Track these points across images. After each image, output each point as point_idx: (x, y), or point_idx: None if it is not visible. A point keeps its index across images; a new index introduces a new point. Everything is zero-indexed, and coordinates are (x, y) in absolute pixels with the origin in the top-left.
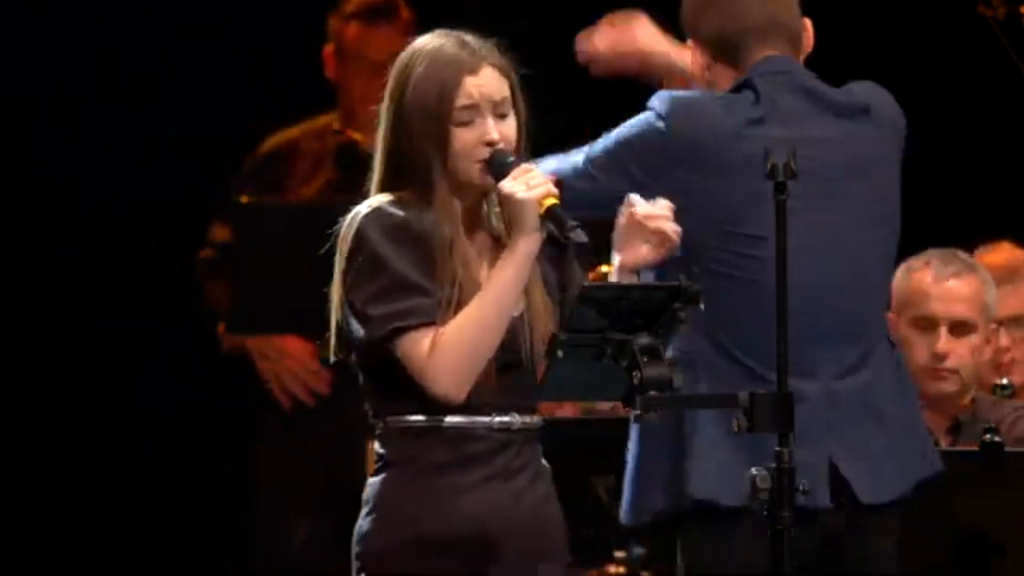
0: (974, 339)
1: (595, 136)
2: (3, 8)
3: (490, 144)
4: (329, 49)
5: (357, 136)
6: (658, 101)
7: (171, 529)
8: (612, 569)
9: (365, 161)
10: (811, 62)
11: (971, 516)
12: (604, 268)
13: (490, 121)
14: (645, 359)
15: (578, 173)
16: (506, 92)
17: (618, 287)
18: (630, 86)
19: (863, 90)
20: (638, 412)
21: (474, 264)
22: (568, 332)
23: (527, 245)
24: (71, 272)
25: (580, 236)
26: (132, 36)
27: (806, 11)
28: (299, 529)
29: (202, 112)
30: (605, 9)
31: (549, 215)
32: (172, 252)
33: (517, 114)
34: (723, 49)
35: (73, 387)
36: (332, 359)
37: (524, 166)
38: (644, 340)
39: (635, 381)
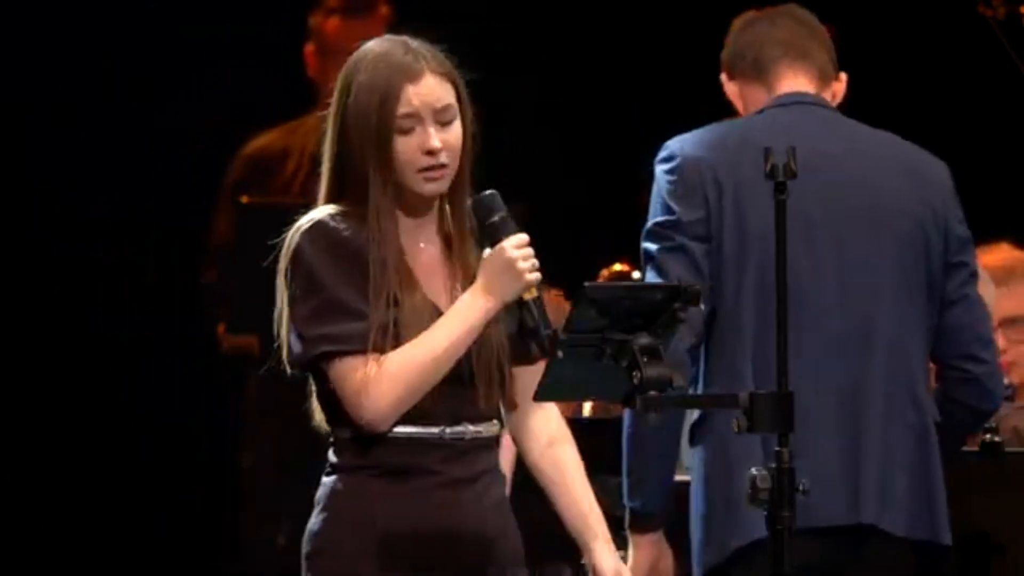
0: None
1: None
2: (3, 8)
3: (430, 152)
4: (310, 48)
5: None
6: (660, 155)
7: (169, 529)
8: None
9: None
10: None
11: (971, 516)
12: (618, 267)
13: (431, 129)
14: (645, 359)
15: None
16: (450, 99)
17: (618, 287)
18: (607, 91)
19: (906, 146)
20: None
21: (415, 281)
22: (568, 332)
23: (495, 308)
24: (71, 272)
25: (544, 343)
26: (132, 36)
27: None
28: (280, 532)
29: (202, 112)
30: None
31: (532, 305)
32: (172, 252)
33: (464, 121)
34: (753, 68)
35: (73, 387)
36: (289, 370)
37: (525, 237)
38: (644, 340)
39: (635, 381)
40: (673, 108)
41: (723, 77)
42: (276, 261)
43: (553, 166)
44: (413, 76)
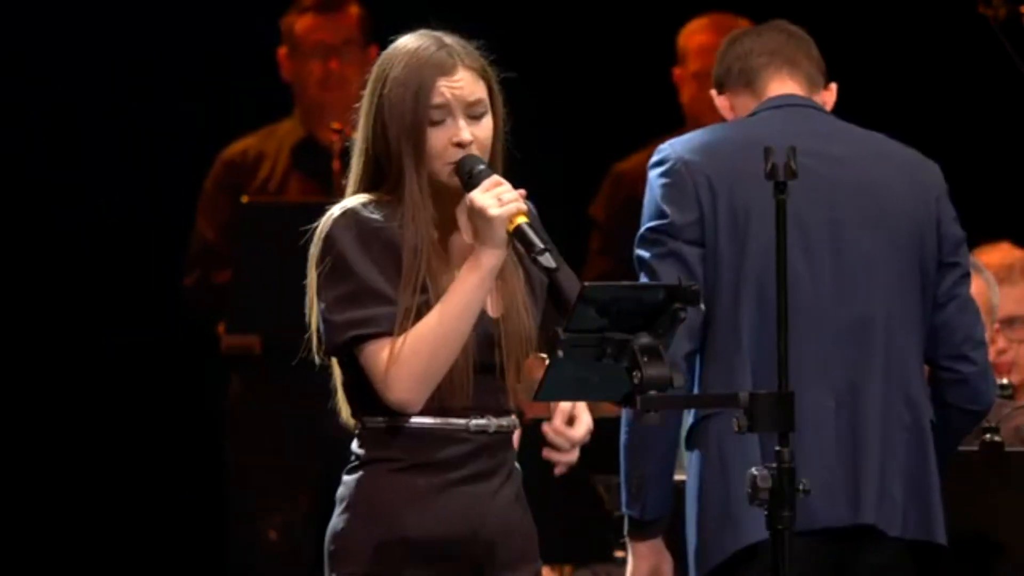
0: None
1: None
2: (3, 8)
3: (460, 145)
4: (283, 51)
5: (318, 130)
6: (653, 159)
7: (170, 528)
8: None
9: (324, 153)
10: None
11: (971, 516)
12: None
13: (461, 122)
14: (645, 359)
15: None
16: (481, 94)
17: (618, 287)
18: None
19: (899, 146)
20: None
21: (446, 269)
22: (568, 332)
23: (491, 260)
24: (71, 272)
25: (548, 261)
26: (133, 35)
27: (807, 10)
28: (270, 526)
29: (204, 112)
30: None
31: (516, 234)
32: (171, 251)
33: (495, 117)
34: (741, 78)
35: (69, 385)
36: (317, 360)
37: (495, 178)
38: (644, 340)
39: (635, 381)
40: (674, 107)
41: (712, 93)
42: (277, 259)
43: (552, 166)
44: (446, 69)
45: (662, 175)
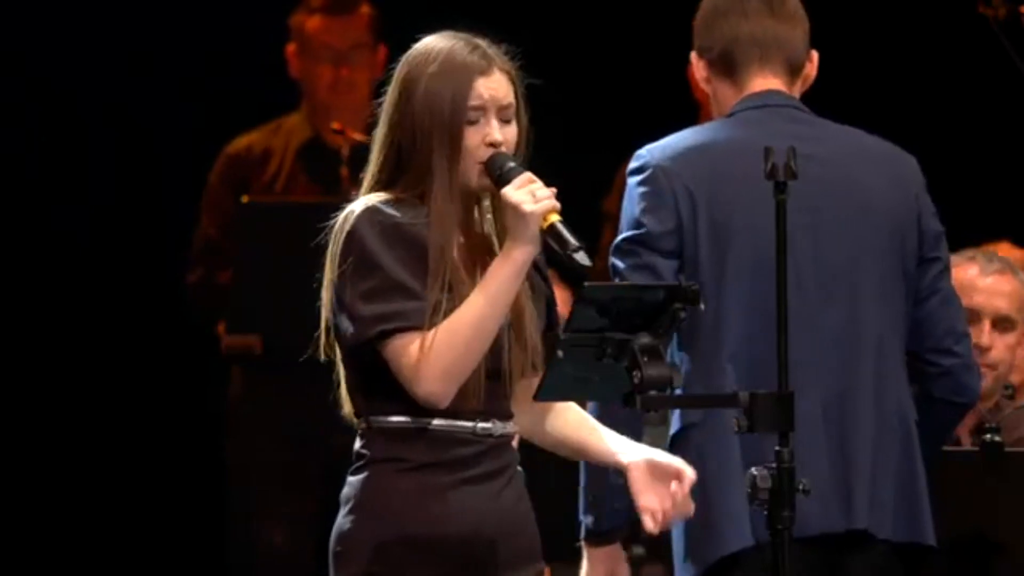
0: (1011, 338)
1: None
2: (3, 8)
3: (493, 145)
4: (291, 48)
5: (324, 131)
6: (631, 165)
7: (169, 529)
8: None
9: (331, 156)
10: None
11: (971, 516)
12: None
13: (494, 122)
14: (645, 359)
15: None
16: (512, 98)
17: (618, 287)
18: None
19: (877, 141)
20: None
21: (466, 269)
22: (568, 332)
23: (524, 255)
24: (70, 272)
25: (583, 259)
26: (133, 33)
27: (808, 11)
28: (275, 529)
29: (204, 110)
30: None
31: (551, 232)
32: (172, 251)
33: (519, 123)
34: (723, 63)
35: (68, 385)
36: (323, 358)
37: (528, 175)
38: (644, 340)
39: (635, 381)
40: (674, 105)
41: (693, 55)
42: (278, 259)
43: (553, 164)
44: (484, 70)
45: (641, 183)
